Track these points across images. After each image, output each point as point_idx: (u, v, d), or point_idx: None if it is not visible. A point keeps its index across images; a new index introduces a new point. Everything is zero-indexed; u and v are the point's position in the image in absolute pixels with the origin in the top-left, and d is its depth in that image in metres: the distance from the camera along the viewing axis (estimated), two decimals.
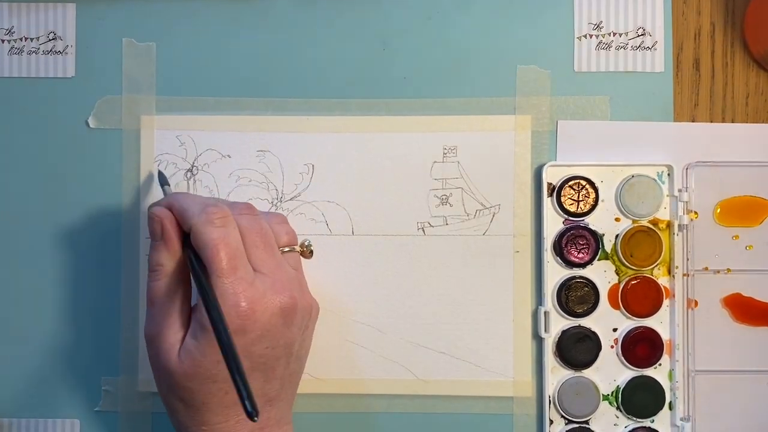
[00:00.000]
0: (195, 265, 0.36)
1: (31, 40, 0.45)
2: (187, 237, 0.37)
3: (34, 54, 0.45)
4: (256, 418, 0.31)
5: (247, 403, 0.31)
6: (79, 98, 0.45)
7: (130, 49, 0.45)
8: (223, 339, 0.33)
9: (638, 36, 0.45)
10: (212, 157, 0.45)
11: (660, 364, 0.44)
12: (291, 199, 0.44)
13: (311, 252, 0.42)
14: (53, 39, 0.45)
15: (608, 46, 0.45)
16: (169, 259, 0.38)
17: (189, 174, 0.44)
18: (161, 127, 0.45)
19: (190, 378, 0.36)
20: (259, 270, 0.37)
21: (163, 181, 0.44)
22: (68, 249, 0.45)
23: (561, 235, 0.44)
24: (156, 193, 0.44)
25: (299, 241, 0.41)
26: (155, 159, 0.44)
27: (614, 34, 0.45)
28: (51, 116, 0.45)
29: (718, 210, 0.44)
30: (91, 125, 0.45)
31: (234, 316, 0.35)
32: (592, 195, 0.44)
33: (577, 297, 0.44)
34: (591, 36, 0.45)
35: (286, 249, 0.40)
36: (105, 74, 0.45)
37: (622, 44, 0.44)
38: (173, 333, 0.37)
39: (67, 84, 0.45)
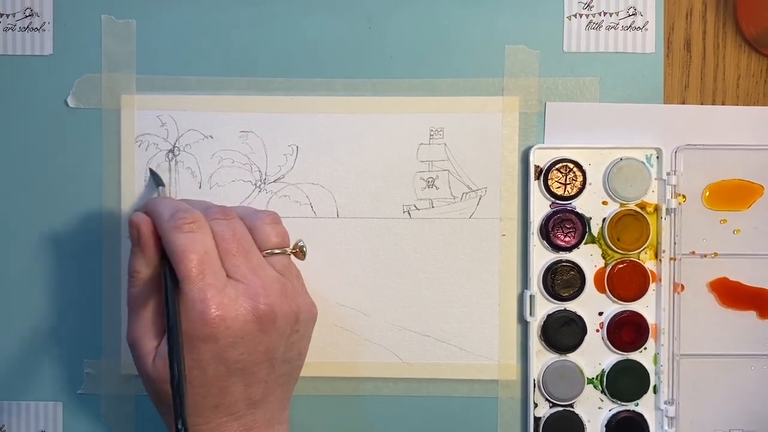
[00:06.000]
0: (165, 273, 0.36)
1: (7, 16, 0.44)
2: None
3: (10, 31, 0.44)
4: None
5: (179, 422, 0.32)
6: (58, 76, 0.44)
7: (110, 27, 0.44)
8: (173, 353, 0.33)
9: (629, 16, 0.44)
10: (194, 137, 0.44)
11: (645, 348, 0.44)
12: (275, 181, 0.44)
13: (304, 253, 0.40)
14: (30, 15, 0.44)
15: (598, 26, 0.44)
16: (144, 265, 0.37)
17: (170, 155, 0.44)
18: (142, 107, 0.44)
19: (165, 382, 0.35)
20: (233, 276, 0.36)
21: (158, 181, 0.43)
22: (48, 231, 0.44)
23: (548, 219, 0.43)
24: (132, 173, 0.44)
25: (293, 242, 0.40)
26: (136, 139, 0.44)
27: (605, 14, 0.44)
28: (29, 95, 0.44)
29: (707, 193, 0.44)
30: (70, 104, 0.44)
31: (201, 324, 0.34)
32: (580, 178, 0.44)
33: (563, 281, 0.44)
34: (581, 15, 0.44)
35: (277, 251, 0.39)
36: (84, 52, 0.44)
37: (612, 24, 0.44)
38: (149, 341, 0.37)
39: (45, 62, 0.44)
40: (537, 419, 0.44)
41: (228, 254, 0.36)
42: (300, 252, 0.40)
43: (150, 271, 0.37)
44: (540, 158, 0.44)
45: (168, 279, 0.36)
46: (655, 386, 0.44)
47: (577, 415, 0.44)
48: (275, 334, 0.37)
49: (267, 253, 0.38)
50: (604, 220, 0.44)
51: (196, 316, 0.34)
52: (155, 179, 0.43)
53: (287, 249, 0.39)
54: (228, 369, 0.36)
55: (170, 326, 0.34)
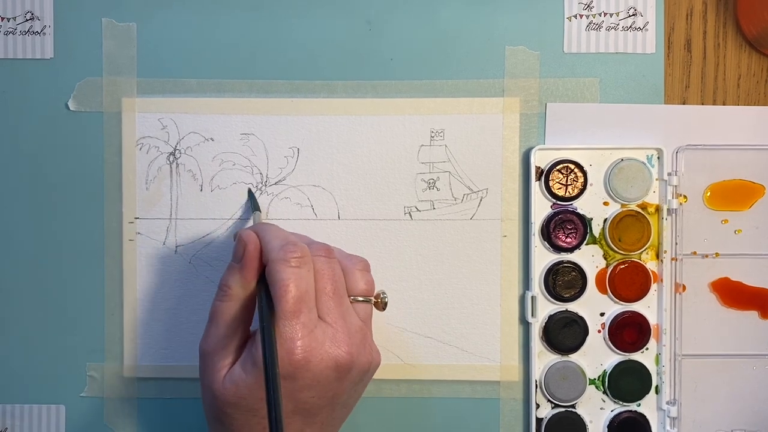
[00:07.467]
0: (263, 301, 0.35)
1: (8, 20, 0.44)
2: (264, 270, 0.37)
3: (11, 35, 0.44)
4: None
5: None
6: (59, 80, 0.44)
7: (110, 30, 0.44)
8: (270, 388, 0.32)
9: (629, 16, 0.44)
10: (195, 140, 0.44)
11: (647, 349, 0.44)
12: (276, 183, 0.44)
13: (385, 305, 0.40)
14: (30, 19, 0.44)
15: (598, 27, 0.44)
16: (239, 284, 0.37)
17: (171, 158, 0.44)
18: (143, 110, 0.44)
19: (231, 406, 0.36)
20: (324, 318, 0.36)
21: (255, 206, 0.43)
22: (50, 234, 0.44)
23: (549, 220, 0.43)
24: (133, 176, 0.44)
25: (376, 291, 0.40)
26: (137, 142, 0.44)
27: (605, 15, 0.44)
28: (30, 98, 0.44)
29: (708, 194, 0.44)
30: (71, 108, 0.44)
31: (286, 362, 0.34)
32: (581, 179, 0.43)
33: (564, 282, 0.44)
34: (581, 16, 0.44)
35: (360, 299, 0.39)
36: (84, 55, 0.44)
37: (612, 25, 0.44)
38: (224, 357, 0.37)
39: (46, 65, 0.44)
40: (539, 420, 0.44)
41: (324, 294, 0.36)
42: (380, 303, 0.40)
43: (242, 292, 0.37)
44: (541, 159, 0.44)
45: (265, 307, 0.35)
46: (657, 387, 0.44)
47: (579, 415, 0.44)
48: (347, 383, 0.37)
49: (353, 299, 0.38)
50: (605, 220, 0.44)
51: (282, 354, 0.34)
52: (252, 203, 0.43)
53: (371, 298, 0.39)
54: (295, 407, 0.36)
55: (267, 362, 0.33)
